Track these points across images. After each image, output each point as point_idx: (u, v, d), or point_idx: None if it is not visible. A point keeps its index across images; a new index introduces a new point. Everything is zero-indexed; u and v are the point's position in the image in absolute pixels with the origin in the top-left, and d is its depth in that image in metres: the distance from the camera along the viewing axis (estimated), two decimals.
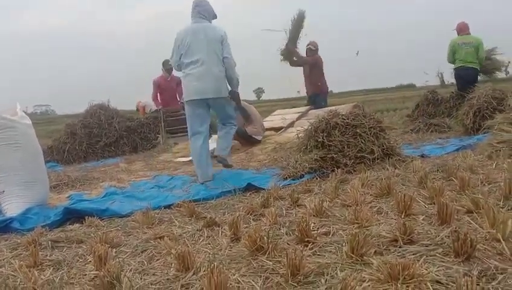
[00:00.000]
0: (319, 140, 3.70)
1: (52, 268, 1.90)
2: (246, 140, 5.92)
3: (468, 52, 6.90)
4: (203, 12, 3.96)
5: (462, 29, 7.09)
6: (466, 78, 6.89)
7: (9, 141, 3.17)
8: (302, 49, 7.85)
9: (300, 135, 4.15)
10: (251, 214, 2.49)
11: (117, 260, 1.88)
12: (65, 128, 7.94)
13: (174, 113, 8.17)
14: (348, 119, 3.76)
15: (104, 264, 1.76)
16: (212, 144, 4.55)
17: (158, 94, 8.16)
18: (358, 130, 3.68)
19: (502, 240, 1.59)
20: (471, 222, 1.91)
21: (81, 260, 1.99)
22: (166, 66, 7.89)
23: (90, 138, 7.61)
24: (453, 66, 7.15)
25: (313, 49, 7.73)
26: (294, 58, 7.80)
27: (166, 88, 8.09)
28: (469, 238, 1.53)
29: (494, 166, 3.13)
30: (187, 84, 3.96)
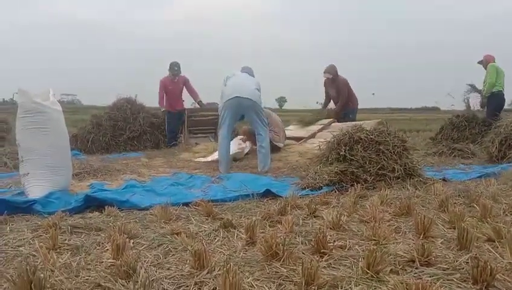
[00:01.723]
0: (341, 153, 3.69)
1: (70, 252, 1.94)
2: None
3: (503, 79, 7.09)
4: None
5: (492, 58, 7.29)
6: (502, 104, 7.14)
7: (39, 125, 3.26)
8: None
9: (322, 147, 4.14)
10: (267, 220, 2.50)
11: (134, 251, 1.91)
12: (91, 119, 8.09)
13: (197, 113, 8.24)
14: (372, 135, 3.73)
15: (121, 253, 1.79)
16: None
17: (164, 95, 7.95)
18: (381, 147, 3.66)
19: None
20: (491, 250, 1.88)
21: (98, 248, 2.03)
22: (172, 71, 7.78)
23: (115, 131, 7.74)
24: (492, 89, 7.13)
25: (330, 77, 7.42)
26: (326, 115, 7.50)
27: (172, 89, 7.89)
28: (489, 266, 1.50)
29: None
30: None
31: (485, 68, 7.30)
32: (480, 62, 7.45)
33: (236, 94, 4.83)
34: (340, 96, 7.39)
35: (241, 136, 6.19)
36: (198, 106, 8.28)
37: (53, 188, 3.19)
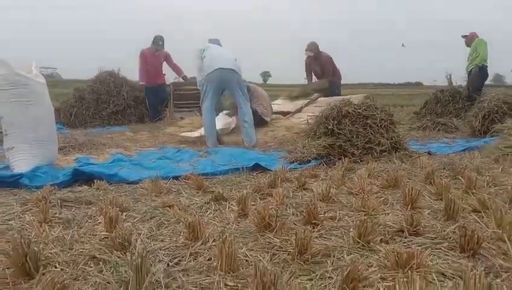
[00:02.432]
0: (329, 127, 3.71)
1: (62, 226, 1.94)
2: (254, 119, 5.91)
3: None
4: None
5: (477, 36, 7.32)
6: (486, 78, 7.22)
7: (22, 98, 3.18)
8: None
9: (310, 121, 4.15)
10: (258, 193, 2.52)
11: (127, 223, 1.92)
12: (73, 92, 7.92)
13: (182, 87, 8.13)
14: (359, 109, 3.76)
15: (114, 226, 1.80)
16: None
17: (144, 68, 7.68)
18: (368, 121, 3.69)
19: (507, 240, 1.61)
20: (478, 220, 1.94)
21: (90, 221, 2.02)
22: (156, 45, 7.58)
23: (98, 104, 7.60)
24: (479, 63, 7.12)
25: (312, 55, 7.42)
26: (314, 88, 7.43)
27: (153, 62, 7.66)
28: (476, 235, 1.55)
29: (500, 169, 3.15)
30: None
31: (468, 45, 7.33)
32: (464, 36, 7.45)
33: (218, 66, 4.74)
34: (326, 72, 7.43)
35: (227, 111, 6.16)
36: (183, 80, 8.17)
37: (39, 162, 3.15)
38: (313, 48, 7.45)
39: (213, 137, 4.86)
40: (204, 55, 4.87)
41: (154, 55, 7.65)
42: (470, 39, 7.32)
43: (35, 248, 1.45)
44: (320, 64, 7.49)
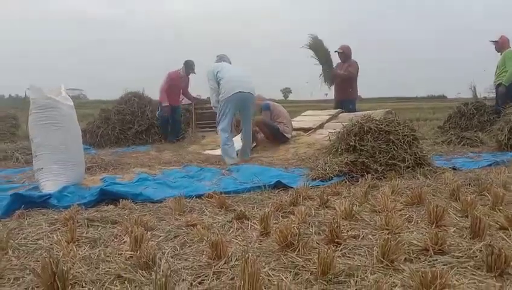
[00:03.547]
0: (351, 144, 3.70)
1: (88, 245, 1.98)
2: (275, 137, 5.96)
3: None
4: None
5: (508, 41, 7.04)
6: None
7: (52, 120, 3.30)
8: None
9: (331, 137, 4.15)
10: (280, 211, 2.53)
11: (152, 242, 1.95)
12: (99, 113, 8.16)
13: (203, 106, 8.26)
14: (381, 124, 3.74)
15: (139, 245, 1.83)
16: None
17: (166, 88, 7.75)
18: (391, 137, 3.67)
19: None
20: (505, 238, 1.90)
21: (116, 240, 2.07)
22: (190, 70, 7.75)
23: (123, 124, 7.80)
24: (507, 82, 6.85)
25: (342, 53, 7.47)
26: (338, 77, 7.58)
27: (176, 85, 7.83)
28: (503, 254, 1.52)
29: None
30: None
31: (498, 51, 7.06)
32: (494, 42, 7.15)
33: (239, 89, 4.95)
34: (350, 69, 7.39)
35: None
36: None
37: (67, 182, 3.24)
38: (344, 48, 7.49)
39: (230, 156, 4.97)
40: (222, 77, 5.01)
41: (180, 79, 7.82)
42: (500, 45, 7.04)
43: (63, 267, 1.49)
44: (346, 68, 7.45)
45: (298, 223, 2.22)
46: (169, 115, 7.70)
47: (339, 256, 1.74)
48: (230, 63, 5.39)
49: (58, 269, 1.47)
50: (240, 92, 4.96)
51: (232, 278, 1.54)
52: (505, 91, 6.84)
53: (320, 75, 7.80)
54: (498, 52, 7.08)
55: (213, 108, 5.35)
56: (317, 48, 7.67)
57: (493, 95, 7.61)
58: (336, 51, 7.56)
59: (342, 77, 7.42)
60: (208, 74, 5.14)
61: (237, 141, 5.58)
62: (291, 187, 3.21)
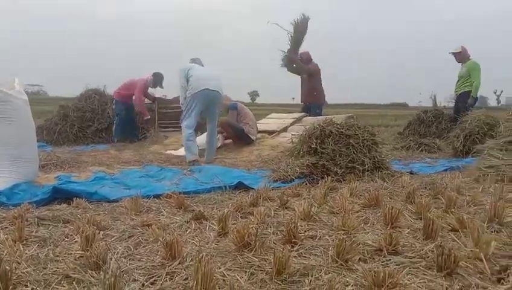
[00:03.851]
0: (312, 146, 3.73)
1: (37, 245, 1.90)
2: (240, 138, 5.94)
3: None
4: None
5: (468, 53, 7.21)
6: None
7: (3, 114, 3.15)
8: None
9: (294, 140, 4.18)
10: (239, 212, 2.51)
11: (104, 242, 1.88)
12: (58, 110, 7.88)
13: (167, 106, 8.13)
14: (342, 128, 3.80)
15: (90, 245, 1.76)
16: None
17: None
18: (351, 141, 3.73)
19: (484, 259, 1.62)
20: (456, 239, 1.95)
21: (67, 239, 1.99)
22: (157, 83, 7.55)
23: (82, 122, 7.56)
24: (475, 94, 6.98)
25: (304, 58, 7.66)
26: (294, 66, 7.79)
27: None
28: (453, 254, 1.56)
29: (480, 189, 3.19)
30: None
31: (459, 61, 7.15)
32: (454, 53, 7.22)
33: (205, 86, 4.99)
34: (309, 68, 7.58)
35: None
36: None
37: (18, 180, 3.09)
38: (302, 54, 7.67)
39: (192, 152, 4.98)
40: (191, 75, 5.06)
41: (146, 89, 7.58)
42: (462, 57, 7.12)
43: (6, 267, 1.41)
44: (308, 70, 7.63)
45: (257, 224, 2.21)
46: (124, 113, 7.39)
47: (294, 256, 1.73)
48: (202, 66, 5.45)
49: (1, 269, 1.39)
50: (207, 89, 4.99)
51: (186, 279, 1.51)
52: (472, 102, 6.97)
53: (283, 58, 7.84)
54: (459, 62, 7.21)
55: (180, 105, 5.34)
56: (301, 28, 7.67)
57: (452, 104, 7.85)
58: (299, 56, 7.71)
59: (295, 60, 7.57)
60: (179, 72, 5.17)
61: (202, 140, 5.54)
62: (253, 188, 3.20)
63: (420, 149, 6.28)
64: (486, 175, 3.58)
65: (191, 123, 5.07)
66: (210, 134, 5.34)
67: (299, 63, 7.67)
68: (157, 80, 7.53)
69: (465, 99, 6.99)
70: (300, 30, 7.64)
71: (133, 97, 7.38)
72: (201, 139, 5.69)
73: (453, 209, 2.51)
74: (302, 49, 7.75)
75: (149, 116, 7.57)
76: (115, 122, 7.32)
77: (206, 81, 5.05)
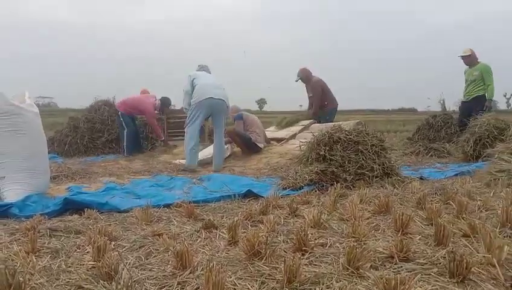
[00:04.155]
0: (321, 153, 3.73)
1: (49, 256, 1.91)
2: (248, 147, 5.97)
3: None
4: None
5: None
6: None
7: (15, 127, 3.19)
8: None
9: (302, 147, 4.18)
10: (249, 220, 2.51)
11: (115, 253, 1.90)
12: (68, 121, 7.97)
13: (175, 116, 8.18)
14: (351, 135, 3.79)
15: (102, 255, 1.78)
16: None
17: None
18: (360, 147, 3.72)
19: (497, 265, 1.61)
20: (468, 245, 1.94)
21: (79, 250, 2.00)
22: (164, 107, 7.66)
23: (92, 133, 7.64)
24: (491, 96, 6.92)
25: (298, 80, 7.58)
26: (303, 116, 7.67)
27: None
28: (465, 260, 1.55)
29: (492, 194, 3.16)
30: None
31: (468, 64, 7.06)
32: (463, 56, 7.09)
33: (210, 95, 5.19)
34: (314, 97, 7.48)
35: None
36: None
37: (30, 192, 3.13)
38: (300, 74, 7.57)
39: (193, 158, 5.21)
40: (196, 83, 5.24)
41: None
42: (471, 60, 7.03)
43: (20, 279, 1.43)
44: (311, 89, 7.54)
45: (267, 232, 2.21)
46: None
47: (305, 264, 1.73)
48: (210, 73, 5.64)
49: (15, 280, 1.41)
50: (211, 97, 5.18)
51: (197, 288, 1.52)
52: (489, 105, 6.92)
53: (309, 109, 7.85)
54: (467, 65, 7.13)
55: (184, 110, 5.57)
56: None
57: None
58: (296, 80, 7.66)
59: (317, 110, 7.49)
60: (186, 78, 5.37)
61: (210, 151, 5.60)
62: (262, 196, 3.20)
63: (430, 154, 6.25)
64: (498, 179, 3.54)
65: (195, 131, 5.25)
66: (217, 142, 5.42)
67: (314, 109, 7.51)
68: (164, 104, 7.62)
69: (481, 103, 6.86)
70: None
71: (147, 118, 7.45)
72: (209, 149, 5.75)
73: (464, 215, 2.49)
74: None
75: (163, 138, 7.60)
76: (125, 135, 7.15)
77: (211, 90, 5.23)
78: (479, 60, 7.09)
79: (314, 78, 7.54)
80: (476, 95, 6.99)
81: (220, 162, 5.39)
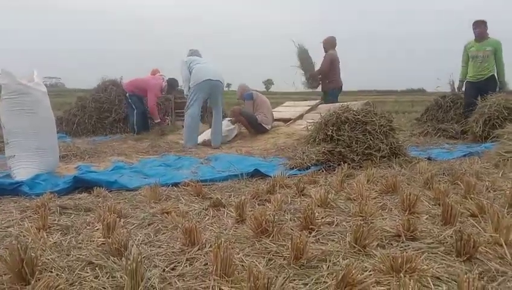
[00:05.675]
0: (328, 133, 3.72)
1: (60, 232, 1.95)
2: (255, 127, 5.96)
3: None
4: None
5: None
6: None
7: (23, 106, 3.21)
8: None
9: (309, 127, 4.17)
10: (256, 199, 2.53)
11: (124, 229, 1.92)
12: (76, 101, 8.00)
13: (182, 96, 8.15)
14: (359, 115, 3.77)
15: (111, 232, 1.80)
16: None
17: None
18: (368, 127, 3.70)
19: (504, 244, 1.61)
20: (475, 224, 1.94)
21: (88, 227, 2.03)
22: (171, 89, 7.62)
23: (100, 113, 7.65)
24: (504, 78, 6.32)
25: (324, 47, 7.50)
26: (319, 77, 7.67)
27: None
28: (472, 239, 1.55)
29: (500, 174, 3.15)
30: None
31: (478, 36, 6.27)
32: (479, 24, 6.27)
33: (208, 77, 5.39)
34: (322, 65, 7.47)
35: (229, 118, 6.20)
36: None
37: (39, 170, 3.17)
38: (324, 41, 7.50)
39: (193, 139, 5.52)
40: (193, 67, 5.46)
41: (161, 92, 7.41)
42: (483, 33, 6.25)
43: (32, 254, 1.45)
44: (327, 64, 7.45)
45: (274, 211, 2.23)
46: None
47: (312, 242, 1.75)
48: (201, 57, 5.81)
49: (27, 256, 1.43)
50: (209, 79, 5.39)
51: (205, 264, 1.54)
52: (504, 87, 6.30)
53: (303, 82, 7.84)
54: (477, 37, 6.33)
55: (185, 96, 5.74)
56: (303, 57, 7.71)
57: None
58: (322, 43, 7.58)
59: (316, 75, 7.57)
60: (181, 65, 5.59)
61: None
62: (269, 176, 3.21)
63: (438, 135, 6.20)
64: (506, 160, 3.52)
65: (195, 112, 5.48)
66: (215, 120, 5.59)
67: (314, 74, 7.62)
68: (171, 86, 7.54)
69: (496, 84, 6.28)
70: (304, 57, 7.67)
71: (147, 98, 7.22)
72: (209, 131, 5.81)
73: (472, 195, 2.48)
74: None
75: (159, 120, 7.33)
76: (135, 115, 7.08)
77: (208, 72, 5.44)
78: (489, 36, 6.38)
79: (331, 51, 7.47)
80: (490, 74, 6.29)
81: (218, 140, 5.54)
